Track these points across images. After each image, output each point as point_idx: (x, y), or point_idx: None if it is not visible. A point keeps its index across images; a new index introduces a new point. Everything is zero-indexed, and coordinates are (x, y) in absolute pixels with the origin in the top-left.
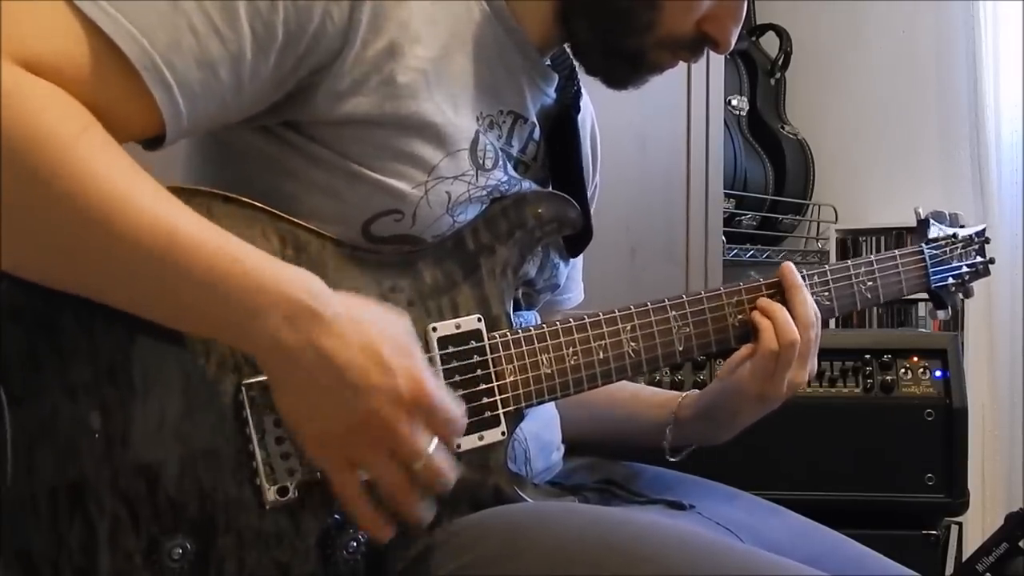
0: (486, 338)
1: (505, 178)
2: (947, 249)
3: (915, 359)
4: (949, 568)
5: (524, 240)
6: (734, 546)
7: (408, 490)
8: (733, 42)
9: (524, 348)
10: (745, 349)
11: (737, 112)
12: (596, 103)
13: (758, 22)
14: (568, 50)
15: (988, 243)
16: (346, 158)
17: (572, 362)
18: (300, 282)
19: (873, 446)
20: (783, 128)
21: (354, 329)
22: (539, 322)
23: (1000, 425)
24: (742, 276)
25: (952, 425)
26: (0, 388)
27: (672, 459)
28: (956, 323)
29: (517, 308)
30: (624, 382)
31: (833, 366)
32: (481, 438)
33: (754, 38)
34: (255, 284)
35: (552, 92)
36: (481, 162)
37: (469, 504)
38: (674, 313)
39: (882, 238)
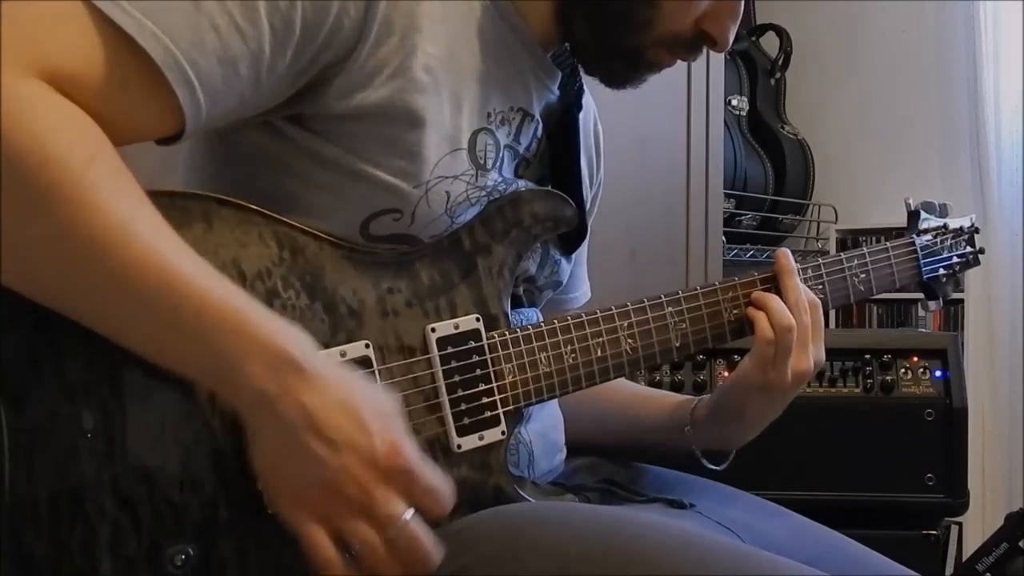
0: (485, 338)
1: (501, 179)
2: (938, 240)
3: (915, 359)
4: (949, 568)
5: (520, 239)
6: (735, 546)
7: (385, 559)
8: (731, 40)
9: (523, 347)
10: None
11: (737, 112)
12: (596, 103)
13: (758, 22)
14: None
15: (978, 232)
16: (348, 153)
17: (570, 360)
18: (287, 335)
19: (873, 446)
20: (783, 128)
21: (336, 387)
22: (541, 320)
23: (1000, 425)
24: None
25: (952, 425)
26: None
27: (714, 467)
28: (956, 323)
29: (519, 305)
30: (636, 386)
31: (833, 366)
32: (481, 438)
33: (754, 38)
34: (242, 331)
35: (556, 89)
36: (481, 162)
37: (469, 504)
38: (670, 309)
39: (882, 238)
